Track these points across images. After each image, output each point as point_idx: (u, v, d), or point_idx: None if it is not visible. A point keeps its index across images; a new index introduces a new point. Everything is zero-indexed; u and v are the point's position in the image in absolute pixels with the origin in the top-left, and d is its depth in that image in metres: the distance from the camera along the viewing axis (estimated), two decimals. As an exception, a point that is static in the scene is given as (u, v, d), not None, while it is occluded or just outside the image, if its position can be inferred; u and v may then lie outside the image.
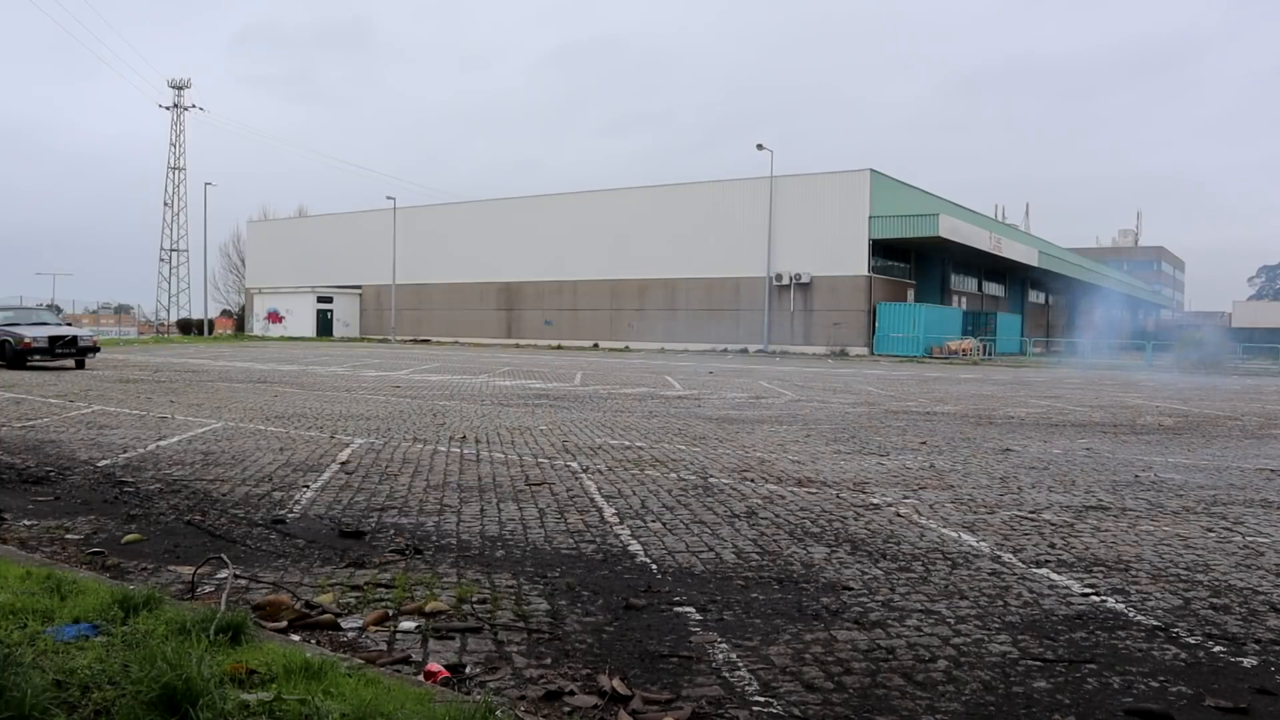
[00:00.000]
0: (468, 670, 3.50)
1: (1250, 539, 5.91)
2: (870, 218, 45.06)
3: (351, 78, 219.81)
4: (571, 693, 3.28)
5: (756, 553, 5.31)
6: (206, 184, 64.57)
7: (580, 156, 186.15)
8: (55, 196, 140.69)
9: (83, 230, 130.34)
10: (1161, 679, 3.53)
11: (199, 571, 4.60)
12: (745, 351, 46.53)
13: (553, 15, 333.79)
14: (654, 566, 5.00)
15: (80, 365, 22.63)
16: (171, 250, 74.58)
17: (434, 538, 5.55)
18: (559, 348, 50.19)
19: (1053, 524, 6.26)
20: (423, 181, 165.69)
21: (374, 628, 3.93)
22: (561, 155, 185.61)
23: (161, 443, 9.34)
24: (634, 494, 7.04)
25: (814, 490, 7.36)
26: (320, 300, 62.93)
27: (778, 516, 6.32)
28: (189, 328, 68.29)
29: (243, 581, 4.48)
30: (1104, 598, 4.56)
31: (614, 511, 6.38)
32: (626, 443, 10.05)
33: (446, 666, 3.47)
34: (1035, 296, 69.87)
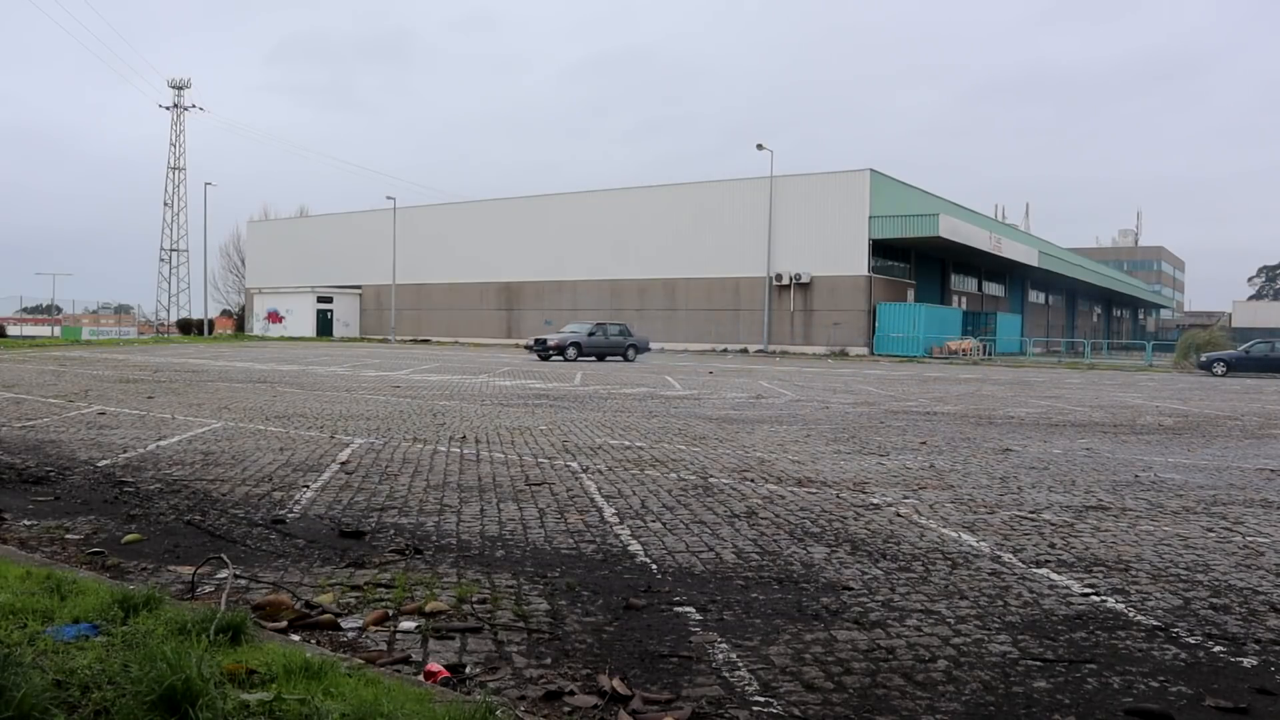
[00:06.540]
0: (468, 670, 3.50)
1: (1250, 539, 5.91)
2: (870, 218, 45.06)
3: (386, 85, 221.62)
4: (571, 693, 3.28)
5: (756, 553, 5.31)
6: (206, 184, 64.65)
7: (600, 160, 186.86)
8: (78, 200, 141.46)
9: (94, 233, 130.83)
10: (1161, 679, 3.53)
11: (199, 571, 4.59)
12: (745, 351, 46.53)
13: (586, 26, 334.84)
14: (654, 566, 5.00)
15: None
16: (171, 250, 74.56)
17: (434, 538, 5.55)
18: (559, 348, 50.13)
19: (1053, 524, 6.26)
20: (440, 185, 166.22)
21: (374, 628, 3.93)
22: (582, 161, 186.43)
23: (161, 443, 9.34)
24: (634, 494, 7.03)
25: (814, 490, 7.36)
26: (320, 300, 62.90)
27: (778, 516, 6.31)
28: (189, 328, 68.26)
29: (243, 581, 4.48)
30: (1104, 598, 4.55)
31: (614, 511, 6.38)
32: (626, 443, 10.05)
33: (446, 666, 3.47)
34: (1035, 296, 69.87)
